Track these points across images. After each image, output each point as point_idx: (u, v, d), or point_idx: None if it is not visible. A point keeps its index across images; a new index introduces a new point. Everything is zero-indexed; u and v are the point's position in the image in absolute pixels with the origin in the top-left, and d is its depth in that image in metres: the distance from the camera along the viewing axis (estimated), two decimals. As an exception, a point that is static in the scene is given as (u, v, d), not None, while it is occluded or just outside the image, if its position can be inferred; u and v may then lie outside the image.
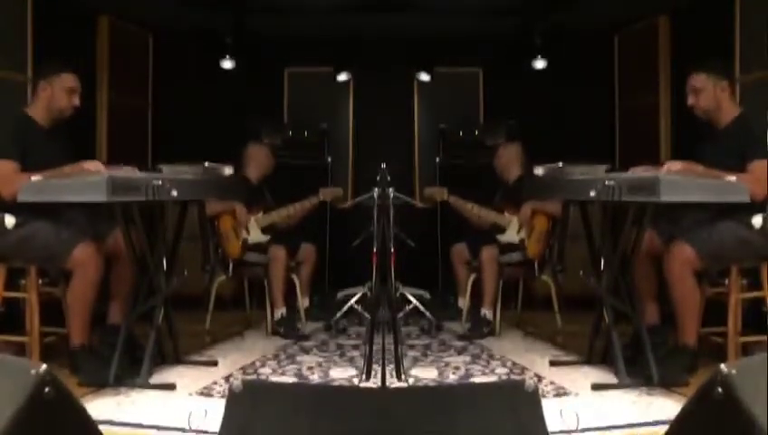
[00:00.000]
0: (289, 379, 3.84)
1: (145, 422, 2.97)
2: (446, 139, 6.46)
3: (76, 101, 3.86)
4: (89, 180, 3.28)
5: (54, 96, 3.80)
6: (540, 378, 3.70)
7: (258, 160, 5.32)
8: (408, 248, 4.99)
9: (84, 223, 3.85)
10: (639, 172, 3.45)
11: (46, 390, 1.57)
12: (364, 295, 5.38)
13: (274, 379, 3.82)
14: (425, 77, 6.49)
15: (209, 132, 6.26)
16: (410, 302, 5.24)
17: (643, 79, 6.00)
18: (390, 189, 4.52)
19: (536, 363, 4.03)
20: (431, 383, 3.69)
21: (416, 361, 4.16)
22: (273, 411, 1.89)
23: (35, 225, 3.62)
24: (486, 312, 4.82)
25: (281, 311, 4.91)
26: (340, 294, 5.76)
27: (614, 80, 6.42)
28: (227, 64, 6.40)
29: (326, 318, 5.30)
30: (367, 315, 5.17)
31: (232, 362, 4.12)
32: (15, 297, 3.81)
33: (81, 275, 3.59)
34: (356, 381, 3.69)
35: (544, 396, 3.30)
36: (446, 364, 4.07)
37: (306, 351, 4.49)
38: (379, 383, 3.24)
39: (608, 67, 6.41)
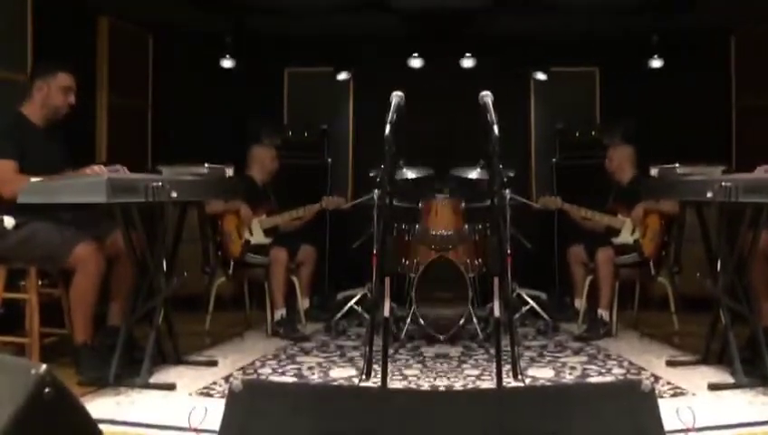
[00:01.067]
0: (289, 379, 3.84)
1: (145, 422, 2.97)
2: (562, 138, 6.39)
3: (72, 99, 3.86)
4: (88, 182, 3.29)
5: (50, 95, 3.79)
6: (656, 378, 3.71)
7: (262, 162, 5.32)
8: (525, 249, 5.03)
9: (84, 224, 3.85)
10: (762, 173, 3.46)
11: (46, 390, 1.57)
12: (364, 296, 5.39)
13: (274, 379, 3.82)
14: (541, 76, 6.45)
15: (209, 132, 6.27)
16: (527, 303, 5.27)
17: (760, 79, 5.92)
18: (507, 191, 4.56)
19: (653, 364, 4.04)
20: (547, 383, 3.70)
21: (532, 361, 4.18)
22: (272, 411, 1.89)
23: (35, 225, 3.62)
24: (603, 313, 4.83)
25: (281, 312, 4.91)
26: (341, 296, 5.77)
27: (731, 80, 6.33)
28: (227, 64, 6.40)
29: (326, 319, 5.31)
30: (366, 316, 5.20)
31: (232, 363, 4.12)
32: (15, 298, 3.82)
33: (84, 272, 3.58)
34: (356, 380, 3.70)
35: (661, 396, 3.31)
36: (563, 365, 4.09)
37: (306, 351, 4.49)
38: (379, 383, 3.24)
39: (724, 67, 6.31)
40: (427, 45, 6.50)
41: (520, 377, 3.43)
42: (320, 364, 4.14)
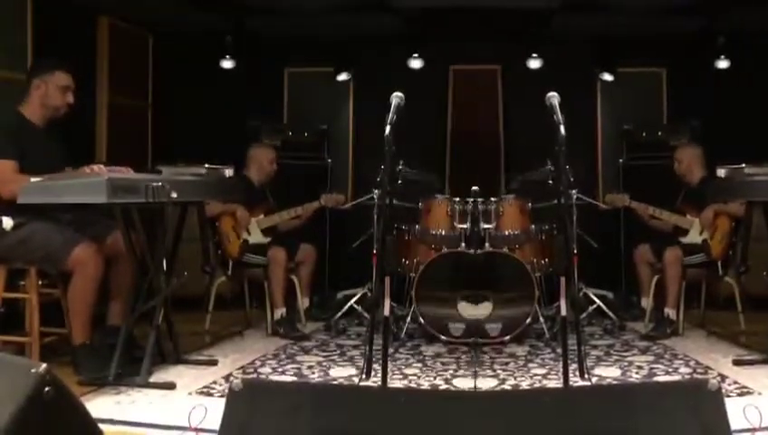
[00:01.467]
0: (289, 378, 3.85)
1: (145, 421, 2.98)
2: (629, 139, 6.35)
3: (70, 98, 3.86)
4: (88, 182, 3.29)
5: (49, 94, 3.79)
6: (723, 377, 3.70)
7: (260, 163, 5.31)
8: (591, 249, 5.07)
9: (83, 224, 3.86)
10: None
11: (46, 389, 1.57)
12: (364, 295, 5.40)
13: (274, 378, 3.83)
14: (608, 77, 6.44)
15: (209, 132, 6.27)
16: (594, 302, 5.29)
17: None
18: (573, 191, 4.58)
19: (719, 363, 4.04)
20: (614, 383, 3.70)
21: (599, 360, 4.19)
22: (272, 410, 1.89)
23: (34, 226, 3.62)
24: (670, 312, 4.83)
25: (280, 311, 4.92)
26: (340, 295, 5.77)
27: (798, 80, 6.28)
28: (227, 64, 6.41)
29: (326, 318, 5.32)
30: (366, 315, 5.20)
31: (232, 362, 4.12)
32: (15, 298, 3.82)
33: (82, 275, 3.59)
34: (356, 380, 3.70)
35: (728, 395, 3.30)
36: (629, 364, 4.10)
37: (306, 350, 4.50)
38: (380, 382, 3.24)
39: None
40: (427, 45, 6.51)
41: (586, 376, 3.44)
42: (319, 363, 4.15)
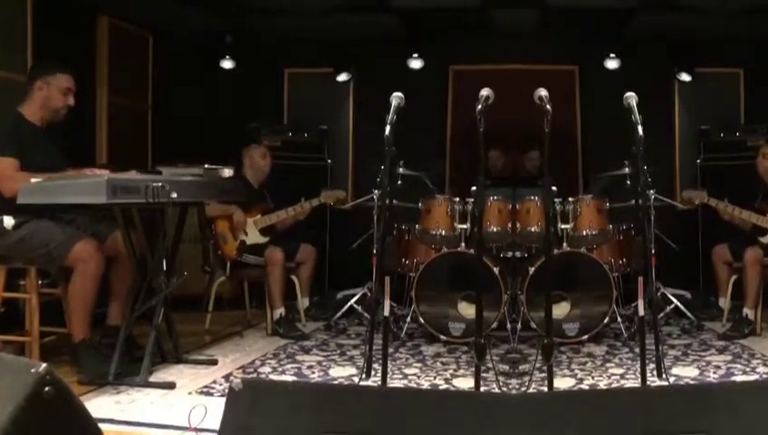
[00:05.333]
0: (289, 378, 3.85)
1: (145, 421, 2.98)
2: (706, 140, 6.35)
3: (71, 100, 3.86)
4: (88, 182, 3.29)
5: (51, 96, 3.79)
6: None
7: (251, 159, 5.31)
8: (669, 249, 5.10)
9: (84, 223, 3.86)
10: None
11: (46, 389, 1.57)
12: (364, 295, 5.40)
13: (274, 378, 3.83)
14: (685, 77, 6.44)
15: (209, 133, 6.27)
16: (671, 302, 5.30)
17: None
18: (651, 191, 4.58)
19: None
20: (692, 382, 3.69)
21: (676, 360, 4.19)
22: (272, 410, 1.89)
23: (35, 225, 3.63)
24: (748, 312, 4.82)
25: (280, 311, 4.91)
26: (340, 295, 5.77)
27: None
28: (227, 64, 6.40)
29: (326, 318, 5.32)
30: (366, 315, 5.21)
31: (232, 362, 4.13)
32: (15, 298, 3.82)
33: (82, 271, 3.59)
34: (356, 379, 3.70)
35: None
36: (707, 363, 4.09)
37: (306, 350, 4.50)
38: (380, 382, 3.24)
39: None
40: (427, 45, 6.52)
41: (664, 376, 3.44)
42: (319, 363, 4.15)
